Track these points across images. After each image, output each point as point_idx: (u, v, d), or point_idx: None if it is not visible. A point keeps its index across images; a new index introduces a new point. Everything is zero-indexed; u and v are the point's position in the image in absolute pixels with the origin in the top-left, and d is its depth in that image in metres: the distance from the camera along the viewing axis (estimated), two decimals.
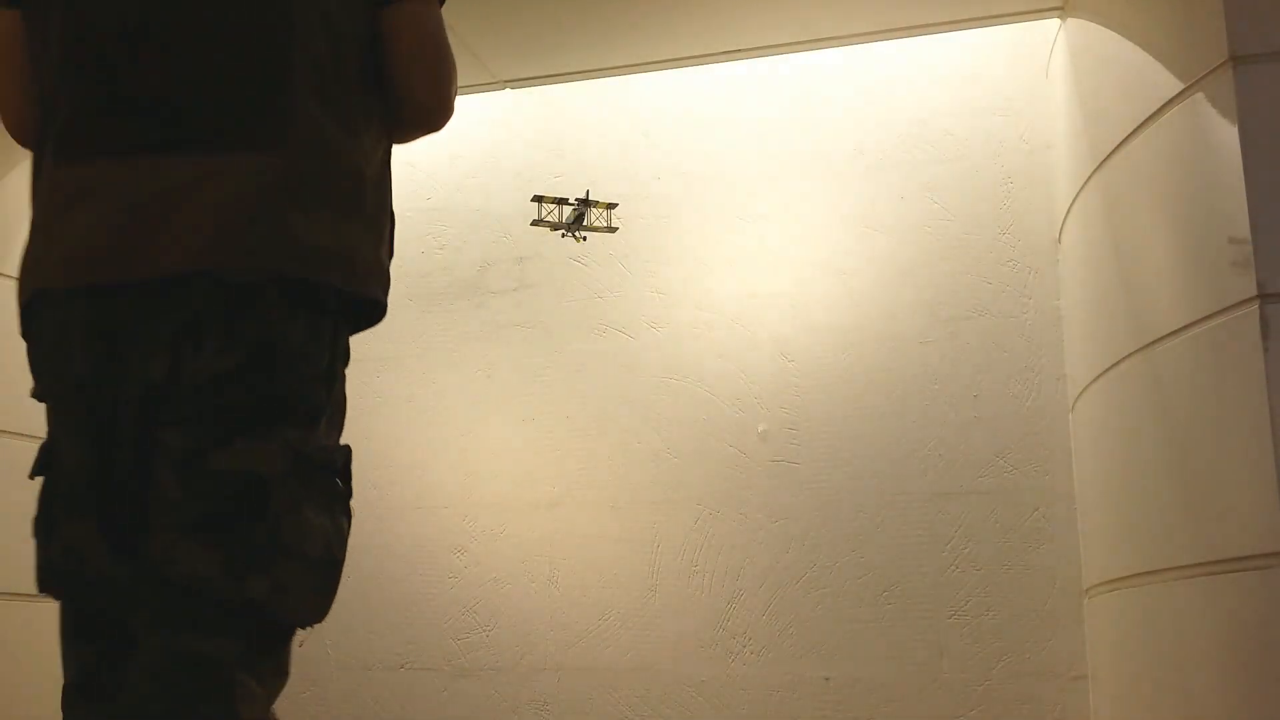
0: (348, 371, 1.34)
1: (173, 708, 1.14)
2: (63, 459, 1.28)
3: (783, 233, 2.82)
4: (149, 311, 1.20)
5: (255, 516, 1.18)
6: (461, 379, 2.97)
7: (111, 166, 1.24)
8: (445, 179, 3.08)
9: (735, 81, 2.92)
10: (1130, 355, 2.10)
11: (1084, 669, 2.47)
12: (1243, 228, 1.71)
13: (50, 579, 1.30)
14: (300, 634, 1.28)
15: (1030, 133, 2.71)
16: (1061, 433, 2.57)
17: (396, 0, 1.36)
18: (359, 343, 1.38)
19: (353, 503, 1.31)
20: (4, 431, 2.84)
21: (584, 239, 2.84)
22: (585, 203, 2.78)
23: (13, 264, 2.94)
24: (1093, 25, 2.35)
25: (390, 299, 1.39)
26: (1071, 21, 2.50)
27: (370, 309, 1.33)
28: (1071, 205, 2.47)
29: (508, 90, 3.00)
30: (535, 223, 2.80)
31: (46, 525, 1.30)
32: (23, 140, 1.43)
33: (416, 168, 3.06)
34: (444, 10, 1.46)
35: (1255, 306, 1.68)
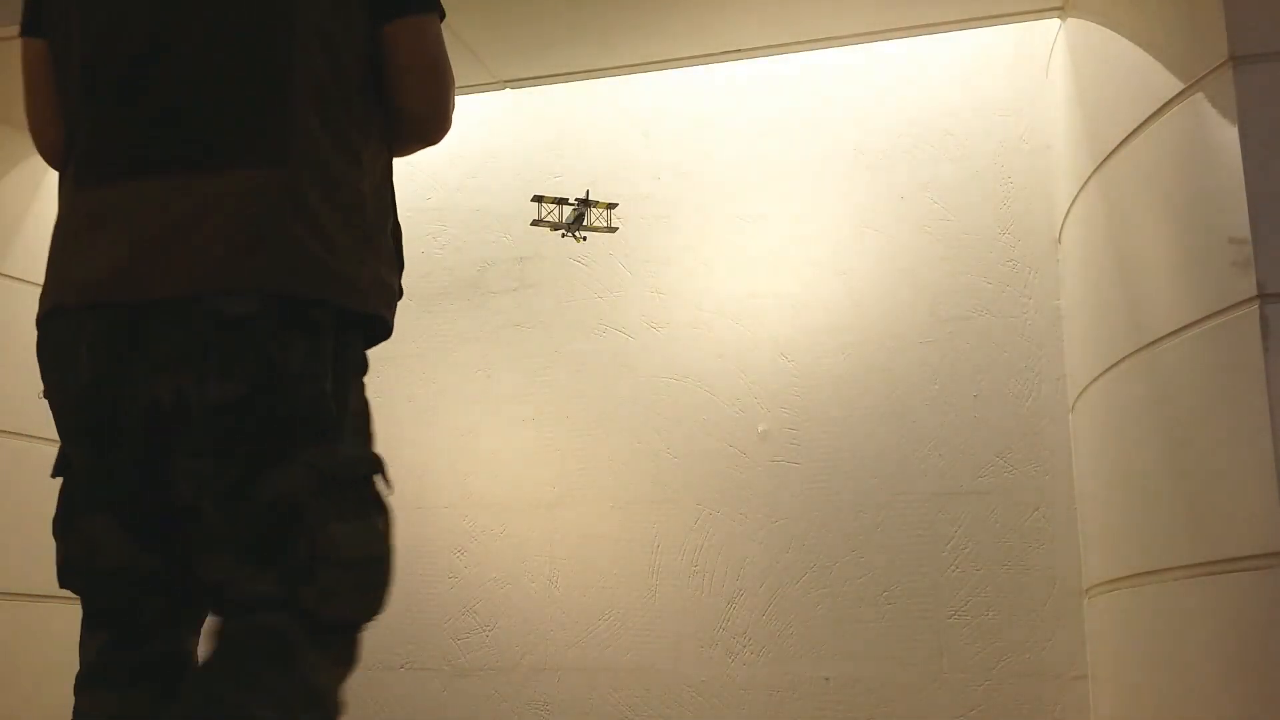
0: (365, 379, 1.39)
1: (241, 670, 1.21)
2: (77, 461, 1.34)
3: (783, 233, 2.82)
4: (154, 332, 1.25)
5: (293, 535, 1.25)
6: (461, 379, 2.97)
7: (126, 189, 1.29)
8: (445, 179, 3.08)
9: (735, 81, 2.92)
10: (1130, 355, 2.10)
11: (1084, 669, 2.47)
12: (1243, 228, 1.71)
13: (68, 573, 1.36)
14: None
15: (1030, 133, 2.71)
16: (1061, 433, 2.57)
17: (397, 15, 1.39)
18: None
19: None
20: (4, 431, 2.84)
21: (584, 239, 2.84)
22: (585, 203, 2.78)
23: (13, 264, 2.96)
24: (1093, 25, 2.35)
25: None
26: (1071, 21, 2.50)
27: (374, 325, 1.37)
28: (1071, 205, 2.47)
29: (508, 90, 3.01)
30: (535, 223, 2.80)
31: (65, 523, 1.35)
32: (53, 162, 1.49)
33: (416, 168, 3.06)
34: (445, 11, 1.48)
35: (1255, 306, 1.68)
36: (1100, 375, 2.28)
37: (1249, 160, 1.72)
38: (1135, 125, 2.07)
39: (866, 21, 2.66)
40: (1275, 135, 1.73)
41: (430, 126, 1.46)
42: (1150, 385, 2.04)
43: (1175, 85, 1.92)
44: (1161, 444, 2.00)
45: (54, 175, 3.35)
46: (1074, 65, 2.47)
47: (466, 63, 2.77)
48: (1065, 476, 2.56)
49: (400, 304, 1.46)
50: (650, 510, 2.79)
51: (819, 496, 2.68)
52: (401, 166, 1.56)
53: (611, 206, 2.82)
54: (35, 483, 2.92)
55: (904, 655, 2.57)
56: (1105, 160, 2.22)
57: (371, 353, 1.42)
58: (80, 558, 1.34)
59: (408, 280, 1.52)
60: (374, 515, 1.32)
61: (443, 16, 1.45)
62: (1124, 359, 2.13)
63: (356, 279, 1.31)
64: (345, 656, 1.31)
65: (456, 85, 1.50)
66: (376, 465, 1.34)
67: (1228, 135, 1.77)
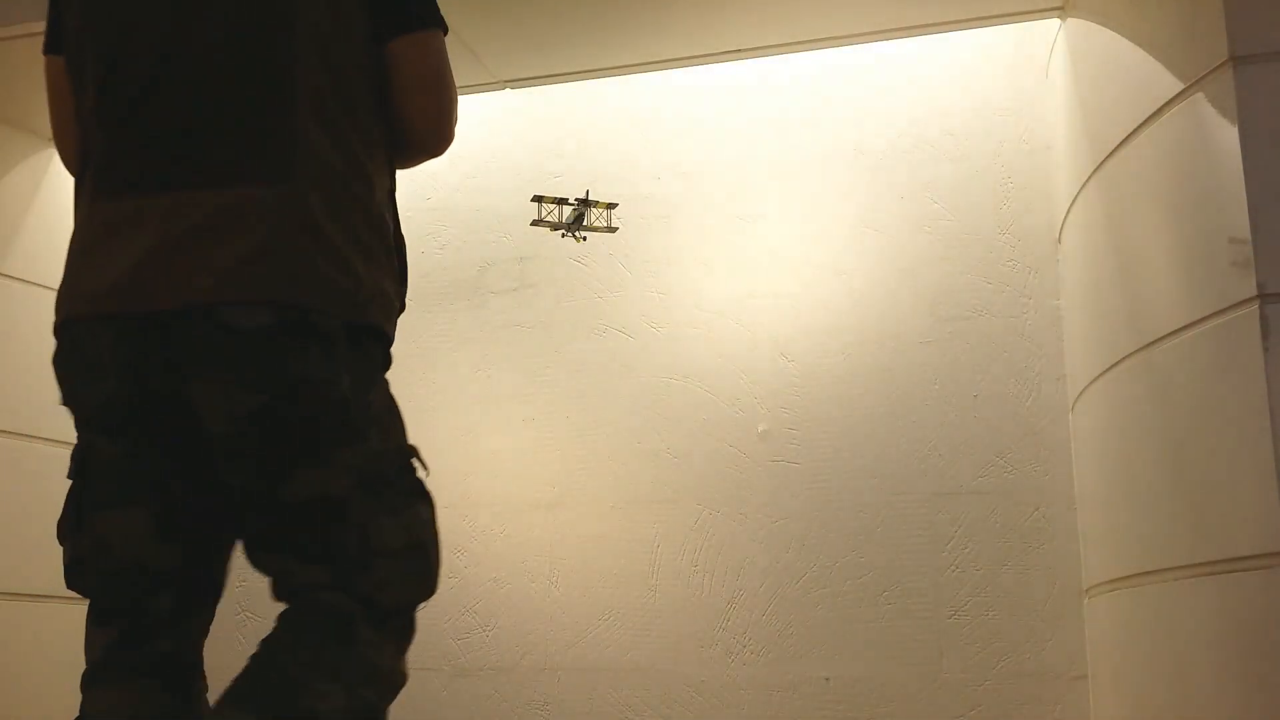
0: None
1: (302, 645, 1.28)
2: (96, 461, 1.37)
3: (783, 233, 2.82)
4: (170, 342, 1.29)
5: (342, 533, 1.31)
6: (461, 379, 2.97)
7: (137, 203, 1.33)
8: (445, 179, 3.08)
9: (735, 81, 2.92)
10: (1130, 355, 2.10)
11: (1084, 669, 2.47)
12: (1243, 228, 1.71)
13: (77, 572, 1.39)
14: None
15: (1030, 133, 2.71)
16: (1061, 433, 2.57)
17: (400, 32, 1.42)
18: None
19: None
20: (3, 432, 2.84)
21: (584, 239, 2.84)
22: (585, 203, 2.78)
23: (13, 264, 2.95)
24: (1093, 25, 2.35)
25: None
26: (1071, 21, 2.50)
27: (376, 335, 1.40)
28: (1071, 205, 2.47)
29: (508, 90, 3.00)
30: (535, 223, 2.80)
31: (75, 523, 1.38)
32: (74, 173, 1.52)
33: (416, 168, 3.06)
34: (444, 10, 1.50)
35: (1255, 306, 1.68)
36: (1100, 375, 2.28)
37: (1249, 160, 1.72)
38: (1135, 125, 2.07)
39: (866, 21, 2.66)
40: (1275, 135, 1.73)
41: (433, 140, 1.50)
42: (1150, 385, 2.04)
43: (1175, 85, 1.92)
44: (1161, 444, 2.00)
45: (54, 175, 3.36)
46: (1074, 65, 2.47)
47: (466, 63, 2.77)
48: (1065, 476, 2.56)
49: None
50: (650, 510, 2.79)
51: (819, 496, 2.68)
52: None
53: (611, 206, 2.82)
54: (35, 483, 2.92)
55: (904, 655, 2.57)
56: (1105, 160, 2.22)
57: None
58: (91, 556, 1.36)
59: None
60: (417, 503, 1.39)
61: (445, 31, 1.48)
62: (1124, 359, 2.13)
63: (356, 291, 1.34)
64: (403, 635, 1.38)
65: (457, 85, 1.52)
66: (410, 453, 1.41)
67: (1228, 135, 1.77)
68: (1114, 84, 2.21)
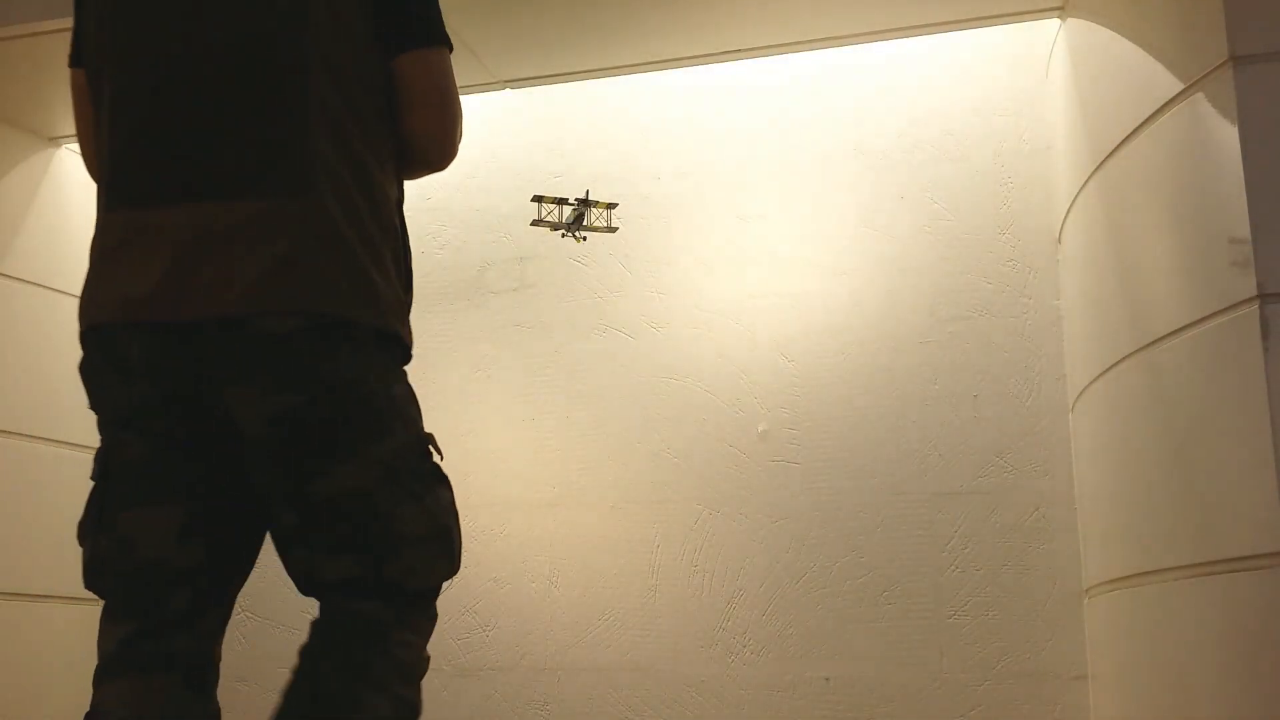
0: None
1: (340, 651, 1.36)
2: (121, 461, 1.41)
3: (783, 233, 2.82)
4: (200, 350, 1.34)
5: (370, 523, 1.37)
6: (461, 379, 2.97)
7: (160, 212, 1.37)
8: (445, 179, 3.07)
9: (735, 81, 2.92)
10: (1130, 355, 2.10)
11: (1084, 669, 2.47)
12: (1243, 228, 1.71)
13: (97, 570, 1.42)
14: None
15: (1030, 133, 2.71)
16: (1061, 433, 2.57)
17: (406, 49, 1.47)
18: None
19: None
20: (4, 432, 2.84)
21: (584, 239, 2.84)
22: (585, 203, 2.78)
23: (12, 264, 2.95)
24: (1093, 25, 2.35)
25: None
26: (1071, 21, 2.50)
27: (394, 339, 1.46)
28: (1071, 205, 2.47)
29: (508, 90, 3.00)
30: (535, 223, 2.80)
31: (96, 523, 1.42)
32: (98, 182, 1.56)
33: None
34: (444, 11, 1.53)
35: (1255, 306, 1.68)
36: (1100, 375, 2.28)
37: (1249, 160, 1.72)
38: (1135, 125, 2.07)
39: (866, 21, 2.66)
40: (1275, 135, 1.73)
41: (436, 154, 1.55)
42: (1150, 385, 2.04)
43: (1175, 85, 1.92)
44: (1161, 444, 2.00)
45: (54, 175, 3.36)
46: (1074, 65, 2.47)
47: (466, 63, 2.77)
48: (1065, 476, 2.56)
49: None
50: (650, 510, 2.79)
51: (819, 496, 2.68)
52: None
53: (611, 206, 2.82)
54: (35, 482, 2.92)
55: (904, 655, 2.57)
56: (1105, 160, 2.22)
57: None
58: (113, 554, 1.40)
59: None
60: (436, 488, 1.45)
61: (450, 48, 1.52)
62: (1124, 359, 2.13)
63: (376, 299, 1.40)
64: (426, 623, 1.45)
65: (458, 85, 1.55)
66: (428, 440, 1.46)
67: (1228, 135, 1.77)
68: (1114, 84, 2.21)
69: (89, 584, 1.44)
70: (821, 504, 2.68)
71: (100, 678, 1.40)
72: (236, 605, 1.53)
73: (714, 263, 2.85)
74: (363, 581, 1.39)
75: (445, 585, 1.48)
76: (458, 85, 1.55)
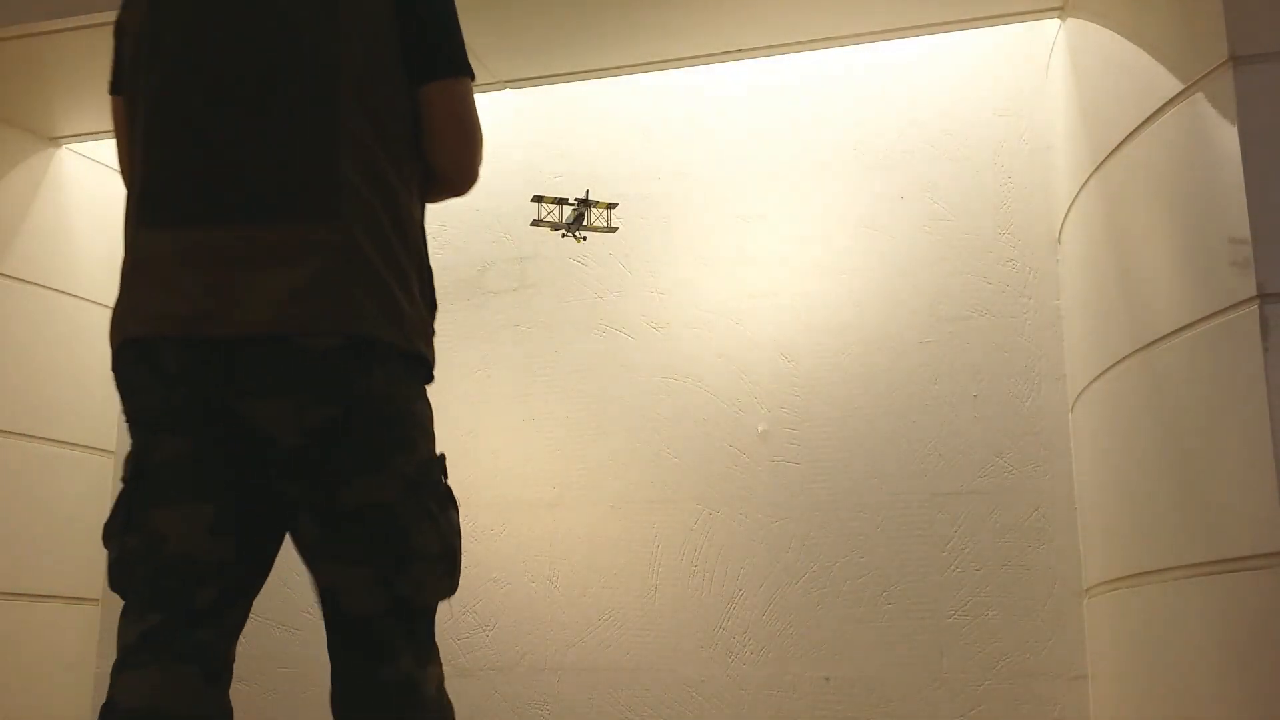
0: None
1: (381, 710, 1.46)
2: (155, 462, 1.44)
3: (783, 233, 2.82)
4: (236, 365, 1.39)
5: (387, 537, 1.43)
6: (461, 379, 2.97)
7: (188, 233, 1.43)
8: None
9: (735, 81, 2.92)
10: (1130, 355, 2.10)
11: (1084, 669, 2.47)
12: (1243, 228, 1.71)
13: (124, 567, 1.45)
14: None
15: (1030, 133, 2.71)
16: (1061, 433, 2.57)
17: (431, 79, 1.54)
18: None
19: None
20: (4, 432, 2.84)
21: (584, 239, 2.84)
22: (585, 203, 2.78)
23: (13, 264, 2.95)
24: (1093, 25, 2.35)
25: None
26: (1071, 21, 2.50)
27: (420, 359, 1.51)
28: (1071, 205, 2.47)
29: (508, 90, 3.00)
30: (535, 223, 2.80)
31: (125, 522, 1.45)
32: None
33: None
34: None
35: (1255, 306, 1.68)
36: (1100, 375, 2.28)
37: (1249, 160, 1.73)
38: (1135, 125, 2.07)
39: (866, 22, 2.66)
40: (1275, 135, 1.73)
41: (459, 180, 1.61)
42: (1150, 385, 2.04)
43: (1175, 85, 1.92)
44: (1161, 444, 2.00)
45: (54, 175, 3.36)
46: (1074, 65, 2.47)
47: None
48: (1065, 476, 2.56)
49: None
50: (650, 510, 2.79)
51: (819, 496, 2.68)
52: None
53: (611, 206, 2.82)
54: (35, 482, 2.92)
55: (904, 655, 2.57)
56: (1105, 160, 2.22)
57: None
58: (144, 550, 1.42)
59: None
60: (448, 509, 1.51)
61: (473, 77, 1.59)
62: (1124, 359, 2.13)
63: (402, 322, 1.46)
64: (431, 647, 1.52)
65: (478, 111, 1.63)
66: (442, 462, 1.53)
67: (1228, 135, 1.77)
68: (1114, 84, 2.21)
69: (115, 583, 1.46)
70: (821, 504, 2.68)
71: (120, 668, 1.41)
72: None
73: (714, 263, 2.85)
74: (378, 599, 1.44)
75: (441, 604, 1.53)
76: None
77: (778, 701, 2.62)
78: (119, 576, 1.45)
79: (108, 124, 3.12)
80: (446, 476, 1.53)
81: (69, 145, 3.16)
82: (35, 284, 3.02)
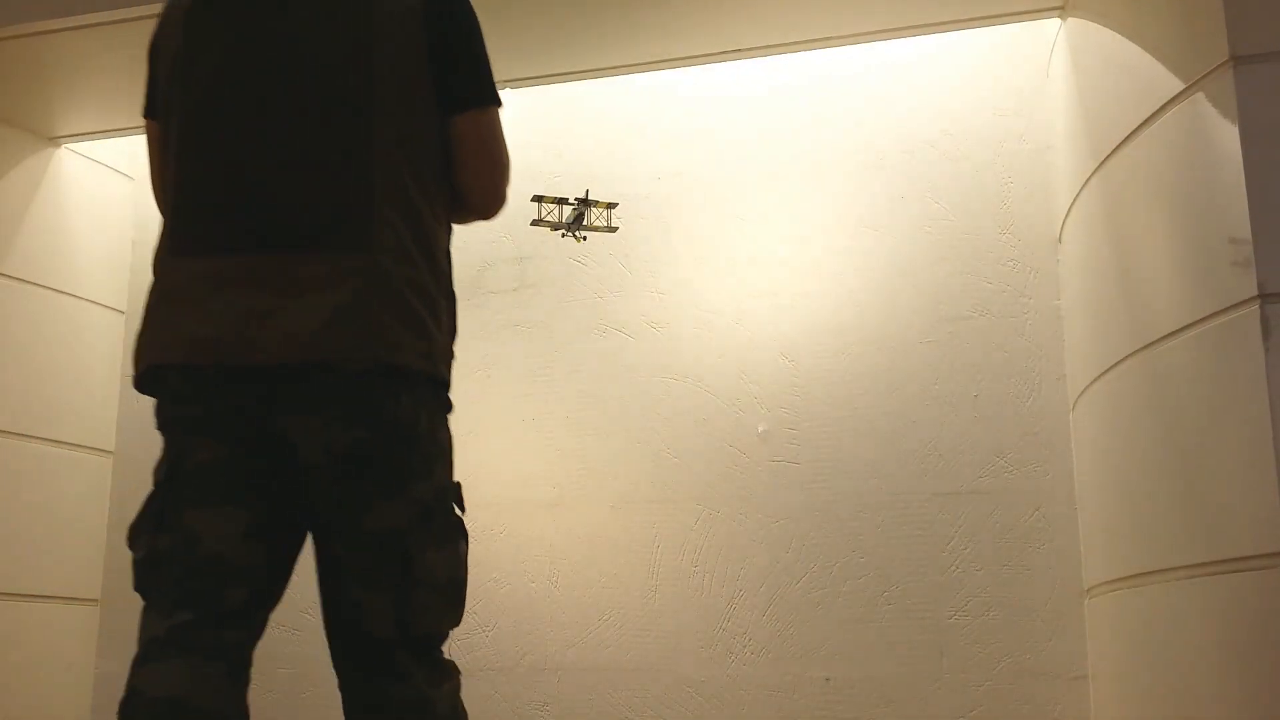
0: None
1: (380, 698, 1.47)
2: (191, 465, 1.47)
3: (783, 233, 2.82)
4: (269, 389, 1.43)
5: (397, 562, 1.45)
6: (461, 379, 2.95)
7: (221, 261, 1.45)
8: None
9: (735, 81, 2.92)
10: (1130, 355, 2.10)
11: (1084, 669, 2.47)
12: (1243, 228, 1.71)
13: (151, 567, 1.46)
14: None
15: (1030, 133, 2.71)
16: (1061, 433, 2.57)
17: (462, 110, 1.58)
18: None
19: None
20: (4, 432, 2.84)
21: (584, 239, 2.84)
22: (585, 203, 2.78)
23: (13, 264, 2.95)
24: (1093, 25, 2.35)
25: None
26: (1071, 21, 2.50)
27: (443, 384, 1.57)
28: (1071, 205, 2.47)
29: (507, 90, 3.00)
30: (535, 223, 2.80)
31: (156, 524, 1.47)
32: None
33: None
34: None
35: (1255, 306, 1.68)
36: (1100, 375, 2.28)
37: (1249, 160, 1.73)
38: (1135, 125, 2.07)
39: (867, 21, 2.66)
40: (1275, 135, 1.73)
41: (486, 205, 1.68)
42: (1150, 385, 2.04)
43: (1175, 85, 1.92)
44: (1161, 444, 2.00)
45: (53, 176, 3.35)
46: (1074, 65, 2.47)
47: None
48: (1065, 476, 2.55)
49: None
50: (650, 510, 2.79)
51: (819, 496, 2.68)
52: None
53: (611, 206, 2.82)
54: (35, 483, 2.92)
55: (904, 655, 2.57)
56: (1105, 160, 2.22)
57: None
58: (176, 549, 1.44)
59: None
60: (457, 539, 1.53)
61: (501, 105, 1.64)
62: (1124, 359, 2.13)
63: (431, 350, 1.50)
64: (441, 667, 1.53)
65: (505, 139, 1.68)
66: (457, 491, 1.55)
67: (1228, 135, 1.77)
68: (1114, 84, 2.21)
69: (141, 583, 1.47)
70: (821, 504, 2.68)
71: (142, 661, 1.42)
72: None
73: (714, 263, 2.85)
74: (391, 645, 1.47)
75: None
76: None
77: (778, 701, 2.62)
78: (146, 576, 1.47)
79: (107, 124, 3.14)
80: (462, 506, 1.55)
81: (69, 145, 3.16)
82: (35, 284, 3.01)
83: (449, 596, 1.51)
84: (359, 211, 1.46)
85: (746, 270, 2.82)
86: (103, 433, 3.11)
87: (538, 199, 2.78)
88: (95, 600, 3.05)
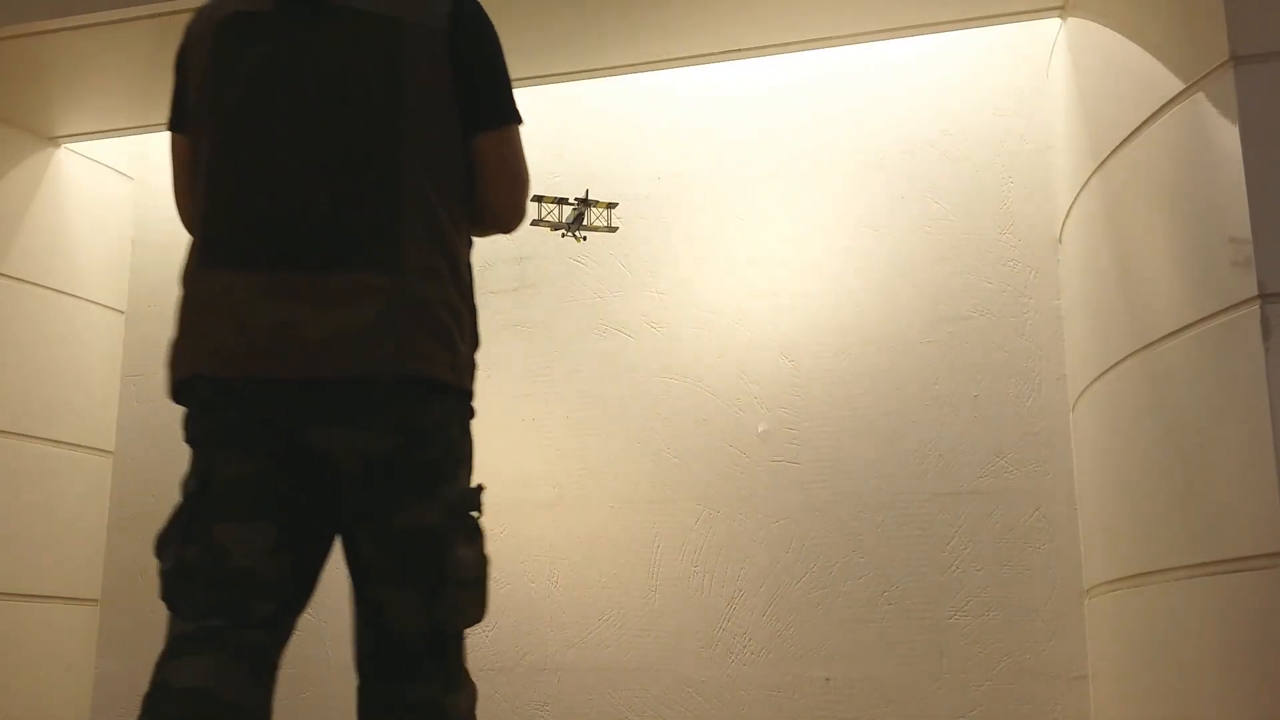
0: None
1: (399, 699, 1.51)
2: (222, 477, 1.49)
3: (783, 233, 2.82)
4: (300, 402, 1.46)
5: (430, 559, 1.50)
6: None
7: (252, 277, 1.49)
8: None
9: (735, 81, 2.92)
10: (1130, 355, 2.10)
11: (1084, 669, 2.47)
12: (1243, 227, 1.71)
13: (179, 577, 1.48)
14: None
15: (1030, 133, 2.71)
16: (1061, 433, 2.57)
17: (484, 129, 1.62)
18: None
19: None
20: (4, 432, 2.84)
21: (584, 239, 2.84)
22: (585, 203, 2.78)
23: (12, 264, 2.95)
24: (1093, 25, 2.35)
25: None
26: (1072, 21, 2.50)
27: (467, 394, 1.61)
28: (1071, 205, 2.47)
29: None
30: (535, 223, 2.80)
31: (184, 534, 1.49)
32: (191, 233, 1.66)
33: None
34: None
35: (1256, 306, 1.68)
36: (1100, 375, 2.28)
37: (1249, 160, 1.73)
38: (1135, 125, 2.07)
39: (866, 21, 2.66)
40: (1275, 135, 1.73)
41: (507, 220, 1.70)
42: (1150, 385, 2.04)
43: (1175, 85, 1.92)
44: (1161, 444, 2.00)
45: (53, 176, 3.35)
46: (1074, 65, 2.47)
47: None
48: (1065, 476, 2.55)
49: None
50: (650, 510, 2.79)
51: (819, 496, 2.68)
52: None
53: (611, 206, 2.82)
54: (35, 483, 2.92)
55: (904, 655, 2.57)
56: (1105, 160, 2.22)
57: None
58: (205, 561, 1.47)
59: None
60: (480, 539, 1.57)
61: (521, 122, 1.68)
62: (1124, 359, 2.13)
63: (456, 362, 1.55)
64: (458, 669, 1.57)
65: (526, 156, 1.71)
66: (478, 495, 1.59)
67: (1228, 135, 1.77)
68: (1114, 84, 2.21)
69: (168, 593, 1.49)
70: (821, 504, 2.68)
71: (169, 656, 1.44)
72: None
73: (714, 263, 2.85)
74: (416, 645, 1.50)
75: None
76: None
77: (778, 701, 2.62)
78: (173, 586, 1.48)
79: (107, 124, 3.14)
80: (480, 509, 1.58)
81: (69, 145, 3.16)
82: (35, 284, 3.01)
83: (476, 594, 1.55)
84: (387, 229, 1.50)
85: (746, 270, 2.82)
86: (103, 433, 3.11)
87: (538, 199, 2.78)
88: (95, 600, 3.05)
